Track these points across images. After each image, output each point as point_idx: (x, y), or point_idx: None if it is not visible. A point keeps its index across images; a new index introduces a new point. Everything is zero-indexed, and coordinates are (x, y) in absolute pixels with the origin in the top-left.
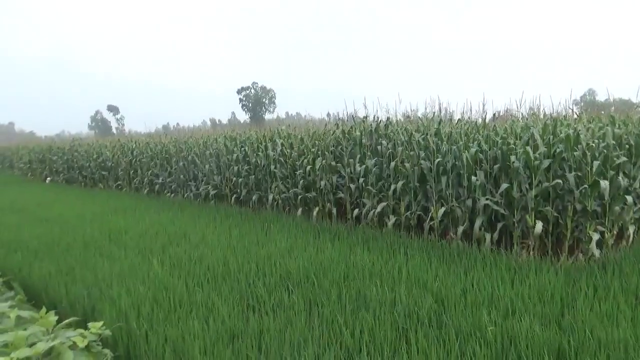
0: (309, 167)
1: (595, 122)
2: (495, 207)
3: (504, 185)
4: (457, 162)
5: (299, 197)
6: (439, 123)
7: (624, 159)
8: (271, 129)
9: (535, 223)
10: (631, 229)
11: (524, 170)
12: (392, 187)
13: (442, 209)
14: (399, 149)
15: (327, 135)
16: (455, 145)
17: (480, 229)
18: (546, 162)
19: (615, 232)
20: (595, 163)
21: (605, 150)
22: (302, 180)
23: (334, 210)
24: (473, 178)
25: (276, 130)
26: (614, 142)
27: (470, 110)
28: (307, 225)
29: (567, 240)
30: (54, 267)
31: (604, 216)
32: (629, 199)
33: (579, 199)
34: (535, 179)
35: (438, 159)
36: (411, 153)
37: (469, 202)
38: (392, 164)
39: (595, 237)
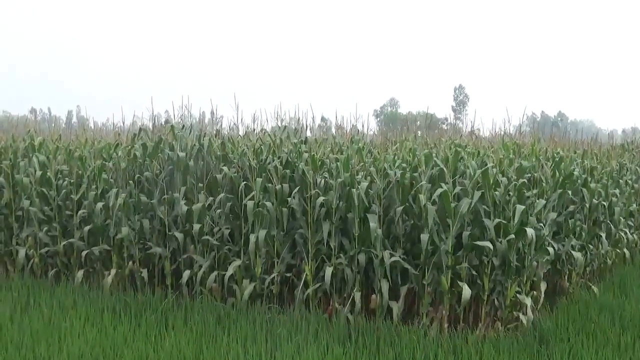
0: (99, 205)
1: (505, 151)
2: (405, 265)
3: (424, 237)
4: (341, 203)
5: (82, 252)
6: (304, 142)
7: (542, 201)
8: (24, 138)
9: (449, 284)
10: (542, 287)
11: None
12: (251, 237)
13: (330, 269)
14: (258, 180)
15: (119, 151)
16: (340, 178)
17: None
18: (466, 203)
19: (530, 291)
20: (520, 207)
21: (527, 192)
22: (86, 226)
23: (144, 273)
24: (372, 225)
25: (30, 135)
26: (523, 180)
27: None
28: (94, 298)
29: (485, 304)
30: None
31: (521, 273)
32: (551, 250)
33: (503, 251)
34: (453, 227)
35: (318, 197)
36: (269, 185)
37: (362, 258)
38: (249, 202)
39: (529, 302)
